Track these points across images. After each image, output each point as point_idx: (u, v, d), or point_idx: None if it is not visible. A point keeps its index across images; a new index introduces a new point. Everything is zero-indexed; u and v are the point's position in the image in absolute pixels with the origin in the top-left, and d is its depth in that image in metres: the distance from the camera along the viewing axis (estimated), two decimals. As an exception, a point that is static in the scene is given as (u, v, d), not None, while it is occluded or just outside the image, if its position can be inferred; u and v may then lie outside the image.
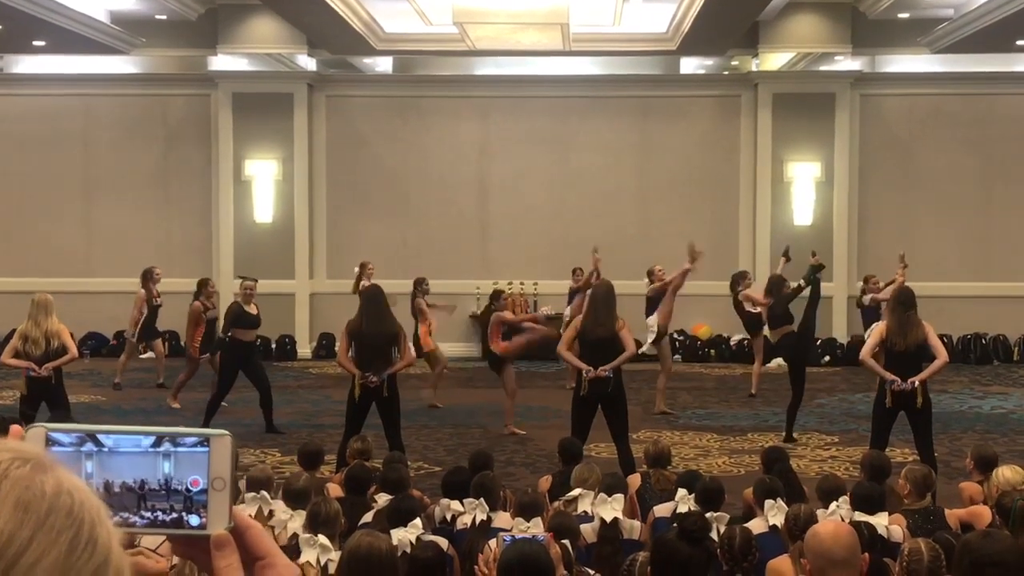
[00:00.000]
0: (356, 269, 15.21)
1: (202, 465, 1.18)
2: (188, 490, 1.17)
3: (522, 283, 19.39)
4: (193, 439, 1.18)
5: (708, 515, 5.97)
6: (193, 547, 1.19)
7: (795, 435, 12.31)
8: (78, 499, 0.98)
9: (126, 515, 1.15)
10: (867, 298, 14.98)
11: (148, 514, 1.17)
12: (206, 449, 1.18)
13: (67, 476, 1.00)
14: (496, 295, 13.71)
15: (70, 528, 0.96)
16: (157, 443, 1.17)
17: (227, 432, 1.19)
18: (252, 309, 13.05)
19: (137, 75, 20.14)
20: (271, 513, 6.48)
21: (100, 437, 1.16)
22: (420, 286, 14.67)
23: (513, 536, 4.56)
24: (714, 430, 13.09)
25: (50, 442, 1.14)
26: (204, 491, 1.18)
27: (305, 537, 5.58)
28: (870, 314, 14.64)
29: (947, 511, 6.73)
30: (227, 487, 1.18)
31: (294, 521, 6.26)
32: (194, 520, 1.17)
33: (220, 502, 1.18)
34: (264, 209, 19.71)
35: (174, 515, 1.17)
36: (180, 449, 1.18)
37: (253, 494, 6.67)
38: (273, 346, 19.56)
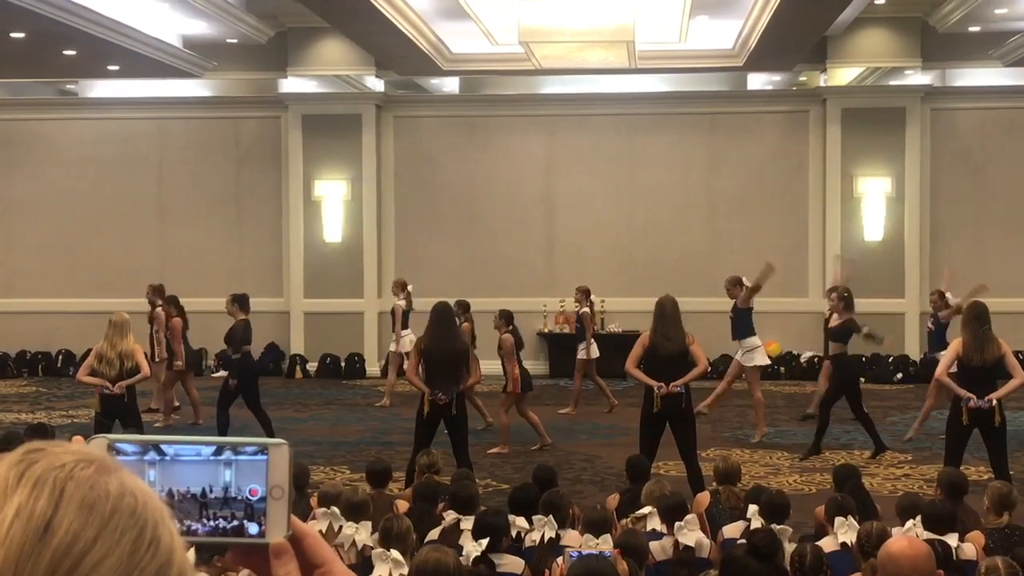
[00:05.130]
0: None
1: (261, 474, 1.19)
2: (249, 498, 1.19)
3: (589, 301, 19.35)
4: (253, 448, 1.20)
5: (773, 527, 5.92)
6: (252, 556, 1.20)
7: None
8: (141, 500, 0.99)
9: (188, 523, 1.17)
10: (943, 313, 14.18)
11: (210, 522, 1.18)
12: (265, 458, 1.19)
13: (130, 478, 1.01)
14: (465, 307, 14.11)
15: (133, 528, 0.97)
16: (218, 452, 1.19)
17: (284, 441, 1.21)
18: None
19: (209, 98, 20.46)
20: (340, 529, 6.53)
21: (162, 446, 1.18)
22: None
23: (580, 552, 4.56)
24: (784, 448, 12.97)
25: (113, 451, 1.16)
26: (263, 499, 1.19)
27: (378, 552, 5.63)
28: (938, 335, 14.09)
29: (1027, 530, 6.62)
30: (285, 495, 1.19)
31: (360, 533, 6.32)
32: (253, 528, 1.19)
33: (279, 510, 1.19)
34: (333, 229, 19.90)
35: (235, 523, 1.19)
36: (241, 457, 1.19)
37: (324, 510, 6.73)
38: (342, 364, 19.74)
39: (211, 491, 1.19)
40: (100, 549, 0.95)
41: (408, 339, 15.01)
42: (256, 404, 12.44)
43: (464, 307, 14.28)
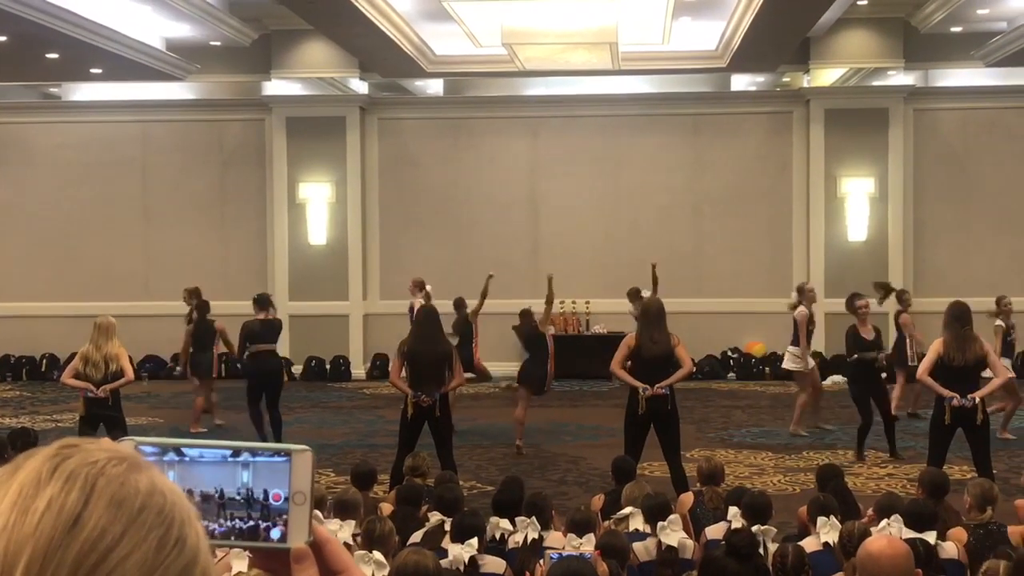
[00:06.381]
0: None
1: (280, 476, 1.21)
2: (266, 499, 1.21)
3: (574, 302, 19.40)
4: (271, 451, 1.22)
5: (756, 528, 5.94)
6: (273, 560, 1.22)
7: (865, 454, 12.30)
8: (170, 499, 1.02)
9: (206, 523, 1.17)
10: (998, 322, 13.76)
11: (227, 522, 1.20)
12: (283, 459, 1.21)
13: (161, 477, 1.04)
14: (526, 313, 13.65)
15: (160, 526, 0.99)
16: (236, 453, 1.21)
17: (308, 447, 1.22)
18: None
19: (193, 101, 20.43)
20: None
21: (183, 448, 1.20)
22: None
23: (561, 554, 4.57)
24: (769, 448, 13.00)
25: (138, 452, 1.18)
26: (285, 504, 1.21)
27: (360, 554, 5.63)
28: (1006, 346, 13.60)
29: (1009, 528, 6.65)
30: (307, 501, 1.20)
31: (343, 531, 6.34)
32: (275, 534, 1.20)
33: (300, 516, 1.20)
34: (318, 231, 19.88)
35: (251, 523, 1.20)
36: (258, 459, 1.21)
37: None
38: (327, 367, 19.72)
39: (231, 492, 1.20)
40: (127, 545, 0.97)
41: None
42: (272, 405, 12.84)
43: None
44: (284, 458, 1.21)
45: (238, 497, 1.20)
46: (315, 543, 1.22)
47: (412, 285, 15.98)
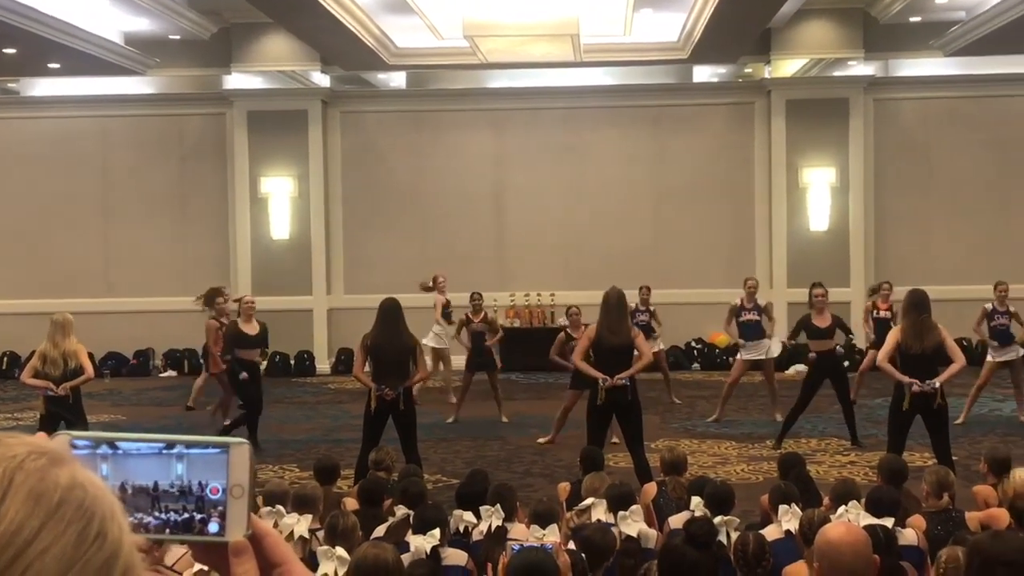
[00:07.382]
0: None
1: (217, 469, 1.20)
2: (201, 491, 1.20)
3: (539, 294, 19.43)
4: (206, 443, 1.21)
5: (718, 519, 5.96)
6: (212, 554, 1.21)
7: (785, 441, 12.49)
8: (91, 493, 1.00)
9: (140, 515, 1.17)
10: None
11: (161, 515, 1.19)
12: (219, 452, 1.20)
13: (83, 471, 1.02)
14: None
15: (80, 520, 0.97)
16: (170, 445, 1.20)
17: (245, 440, 1.21)
18: (251, 328, 12.88)
19: (152, 95, 20.27)
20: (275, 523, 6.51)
21: (117, 441, 1.19)
22: (471, 301, 14.87)
23: (522, 545, 4.57)
24: (733, 438, 13.07)
25: (72, 447, 1.16)
26: (223, 497, 1.20)
27: (323, 549, 5.61)
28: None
29: (967, 514, 6.70)
30: (245, 494, 1.20)
31: (300, 525, 6.31)
32: (213, 527, 1.19)
33: (239, 509, 1.20)
34: (281, 226, 19.79)
35: (186, 515, 1.19)
36: (192, 451, 1.20)
37: (269, 508, 6.70)
38: (292, 362, 19.65)
39: (165, 484, 1.19)
40: (45, 538, 0.95)
41: (432, 333, 15.33)
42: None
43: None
44: (220, 451, 1.20)
45: (172, 489, 1.19)
46: (254, 536, 1.21)
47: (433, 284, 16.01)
